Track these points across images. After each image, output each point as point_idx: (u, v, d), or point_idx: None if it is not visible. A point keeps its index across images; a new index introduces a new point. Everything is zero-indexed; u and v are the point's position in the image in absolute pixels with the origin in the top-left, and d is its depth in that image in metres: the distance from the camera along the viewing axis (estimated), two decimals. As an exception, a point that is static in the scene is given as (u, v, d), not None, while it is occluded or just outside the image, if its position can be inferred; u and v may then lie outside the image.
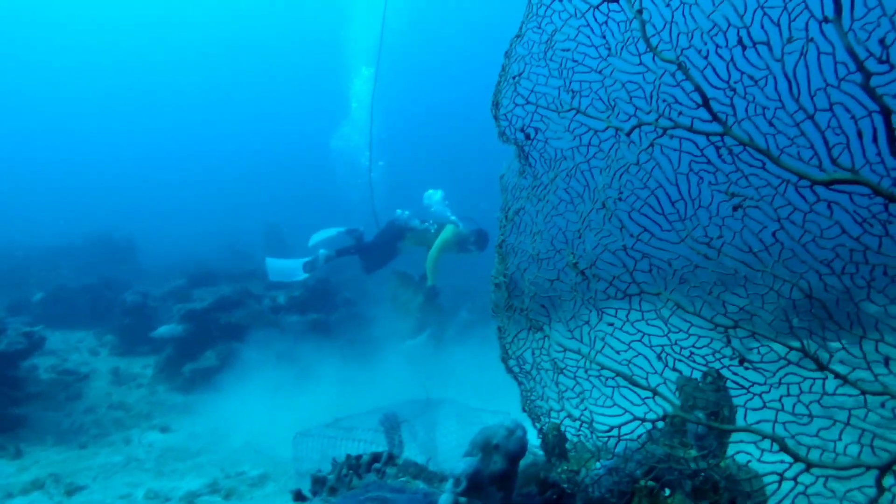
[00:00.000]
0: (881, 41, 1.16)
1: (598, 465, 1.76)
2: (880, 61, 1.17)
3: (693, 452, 1.76)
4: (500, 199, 2.04)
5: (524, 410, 1.99)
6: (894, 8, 1.18)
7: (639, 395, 1.58)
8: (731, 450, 1.53)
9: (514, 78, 1.82)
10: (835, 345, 1.33)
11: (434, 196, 8.55)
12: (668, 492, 1.68)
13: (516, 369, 1.99)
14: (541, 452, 1.98)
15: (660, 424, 1.63)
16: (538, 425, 1.92)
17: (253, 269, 12.81)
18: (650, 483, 1.70)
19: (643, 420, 1.62)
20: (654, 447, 1.68)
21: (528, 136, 1.85)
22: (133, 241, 17.42)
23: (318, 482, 1.84)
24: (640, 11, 1.45)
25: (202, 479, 4.56)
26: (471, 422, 4.30)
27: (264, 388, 7.02)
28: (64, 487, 4.31)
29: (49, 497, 4.16)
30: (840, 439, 1.34)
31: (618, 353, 1.63)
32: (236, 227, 22.13)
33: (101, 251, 16.27)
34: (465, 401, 4.61)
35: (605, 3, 1.53)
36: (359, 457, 1.85)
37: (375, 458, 1.86)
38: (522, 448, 1.61)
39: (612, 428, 1.64)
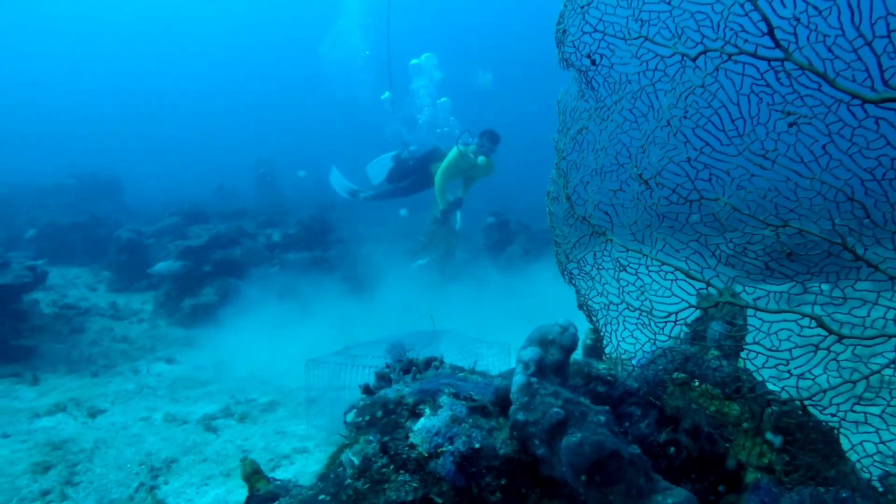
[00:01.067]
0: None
1: (633, 362, 2.02)
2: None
3: (714, 352, 2.04)
4: (558, 122, 2.19)
5: (580, 308, 2.23)
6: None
7: (693, 287, 1.85)
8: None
9: (581, 8, 1.94)
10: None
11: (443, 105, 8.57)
12: (696, 382, 1.97)
13: (575, 271, 2.21)
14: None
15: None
16: (595, 319, 2.16)
17: (244, 208, 12.88)
18: (681, 375, 1.98)
19: (697, 307, 1.88)
20: (682, 347, 1.97)
21: (593, 62, 1.98)
22: (119, 179, 17.28)
23: (383, 378, 2.05)
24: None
25: (215, 405, 4.81)
26: (470, 351, 4.57)
27: (265, 322, 7.25)
28: (86, 410, 4.55)
29: (73, 418, 4.40)
30: (868, 316, 1.62)
31: (677, 251, 1.86)
32: (222, 165, 21.97)
33: (87, 190, 16.15)
34: (464, 331, 4.86)
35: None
36: (411, 360, 2.08)
37: (430, 360, 2.09)
38: (574, 342, 1.82)
39: (670, 314, 1.89)
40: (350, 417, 1.93)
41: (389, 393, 1.82)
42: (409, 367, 2.08)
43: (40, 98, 39.87)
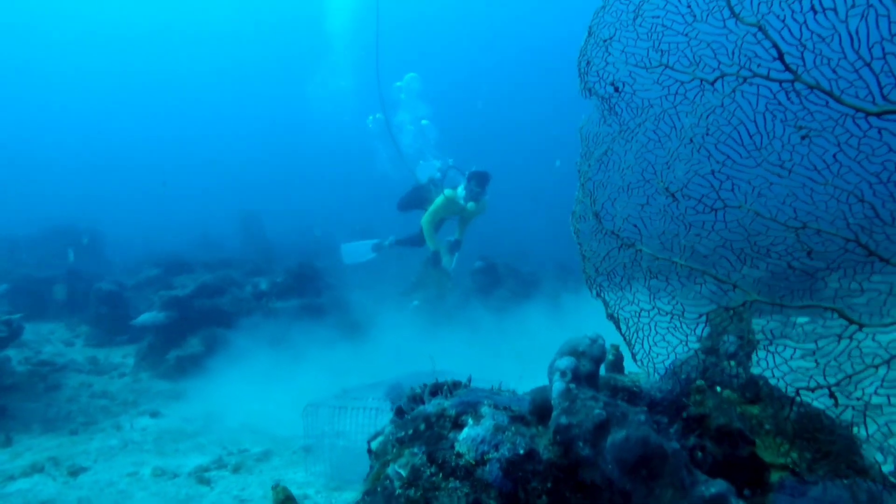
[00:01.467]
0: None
1: (666, 363, 2.12)
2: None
3: (730, 362, 2.12)
4: (581, 147, 2.35)
5: (609, 318, 2.32)
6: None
7: (721, 289, 2.00)
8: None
9: (604, 41, 2.16)
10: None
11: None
12: (719, 389, 2.04)
13: (605, 283, 2.34)
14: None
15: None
16: (626, 327, 2.27)
17: (229, 258, 12.64)
18: (701, 383, 2.05)
19: (727, 308, 2.01)
20: (702, 356, 2.05)
21: (617, 89, 2.17)
22: (98, 232, 16.95)
23: (415, 399, 2.00)
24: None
25: (206, 457, 4.52)
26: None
27: (256, 371, 6.96)
28: (66, 469, 4.23)
29: (52, 479, 4.07)
30: (885, 304, 1.75)
31: (705, 256, 2.02)
32: (206, 216, 21.73)
33: (65, 242, 15.79)
34: (462, 371, 4.67)
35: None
36: (439, 382, 2.04)
37: (457, 382, 2.06)
38: (603, 353, 1.95)
39: (700, 315, 2.05)
40: (374, 445, 1.97)
41: (429, 408, 1.86)
42: (436, 390, 2.05)
43: (12, 145, 39.38)
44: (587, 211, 2.37)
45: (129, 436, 5.33)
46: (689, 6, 1.90)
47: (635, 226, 2.18)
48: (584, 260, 2.38)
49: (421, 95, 8.75)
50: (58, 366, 8.09)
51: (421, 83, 8.75)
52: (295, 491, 3.61)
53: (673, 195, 2.07)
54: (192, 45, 41.86)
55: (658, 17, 1.98)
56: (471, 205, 7.73)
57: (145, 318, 8.09)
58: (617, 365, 2.47)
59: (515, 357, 7.19)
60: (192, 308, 8.43)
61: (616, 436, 1.58)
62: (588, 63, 2.23)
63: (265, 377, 6.75)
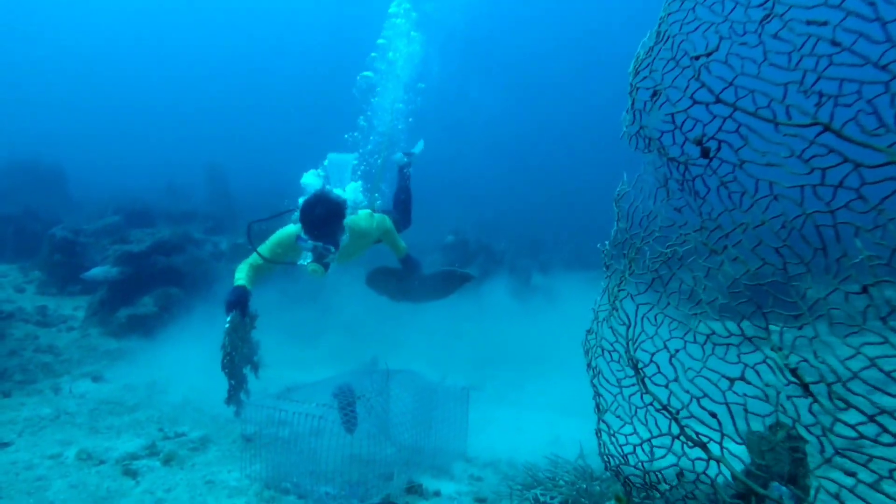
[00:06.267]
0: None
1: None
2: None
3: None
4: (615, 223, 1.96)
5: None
6: None
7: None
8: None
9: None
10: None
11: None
12: None
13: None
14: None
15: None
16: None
17: (193, 211, 12.27)
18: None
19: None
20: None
21: (706, 153, 1.63)
22: (62, 169, 16.35)
23: None
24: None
25: (139, 440, 4.34)
26: (426, 396, 4.24)
27: (207, 338, 6.75)
28: (-14, 444, 4.03)
29: (-31, 455, 3.87)
30: None
31: None
32: (175, 161, 21.11)
33: (26, 178, 15.21)
34: (418, 371, 4.54)
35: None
36: None
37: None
38: None
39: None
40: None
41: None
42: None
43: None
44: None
45: (65, 404, 5.13)
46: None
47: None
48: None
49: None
50: (4, 313, 7.80)
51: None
52: (224, 501, 3.48)
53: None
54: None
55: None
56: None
57: (97, 272, 7.79)
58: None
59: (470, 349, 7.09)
60: (146, 265, 8.14)
61: None
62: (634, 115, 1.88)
63: (215, 347, 6.54)
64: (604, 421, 1.96)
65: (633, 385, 1.86)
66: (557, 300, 10.29)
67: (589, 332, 2.03)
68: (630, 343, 1.88)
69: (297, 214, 4.67)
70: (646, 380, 1.79)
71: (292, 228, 4.75)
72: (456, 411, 4.33)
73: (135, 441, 4.33)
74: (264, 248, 4.74)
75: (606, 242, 2.04)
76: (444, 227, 12.34)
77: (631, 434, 1.87)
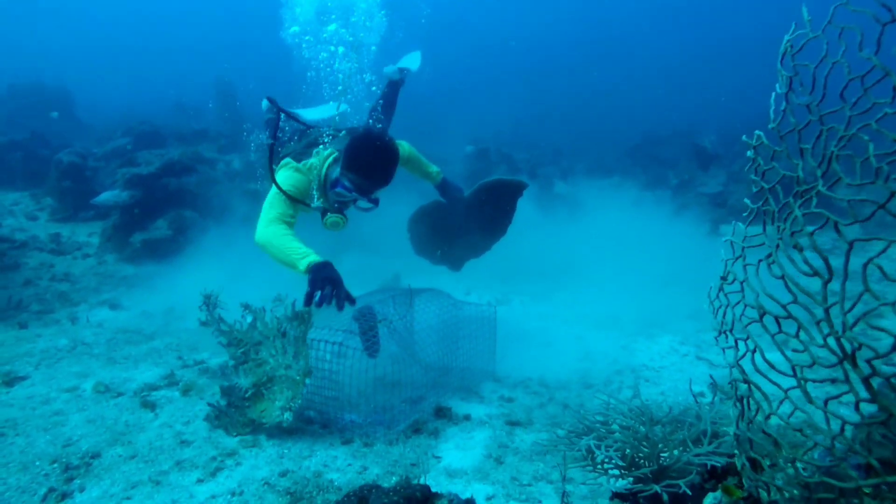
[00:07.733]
0: None
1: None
2: None
3: None
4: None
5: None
6: None
7: None
8: None
9: None
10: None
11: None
12: None
13: None
14: None
15: None
16: None
17: (204, 129, 11.83)
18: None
19: None
20: None
21: None
22: (68, 90, 15.88)
23: None
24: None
25: (158, 369, 4.20)
26: (451, 315, 3.97)
27: (225, 261, 6.55)
28: (1, 376, 3.90)
29: (-17, 390, 3.75)
30: None
31: None
32: (183, 79, 20.44)
33: (32, 101, 14.79)
34: (445, 291, 4.25)
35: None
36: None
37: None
38: None
39: None
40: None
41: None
42: None
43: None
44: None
45: (82, 334, 4.99)
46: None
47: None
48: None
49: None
50: (17, 242, 7.65)
51: None
52: (244, 432, 3.30)
53: None
54: None
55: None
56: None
57: (106, 196, 7.54)
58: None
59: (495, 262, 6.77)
60: (157, 187, 7.86)
61: None
62: None
63: (234, 268, 6.33)
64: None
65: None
66: (580, 209, 9.90)
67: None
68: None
69: (325, 151, 3.77)
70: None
71: (313, 165, 3.77)
72: (483, 329, 4.08)
73: (153, 370, 4.18)
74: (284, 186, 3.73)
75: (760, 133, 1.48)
76: (461, 137, 11.80)
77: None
